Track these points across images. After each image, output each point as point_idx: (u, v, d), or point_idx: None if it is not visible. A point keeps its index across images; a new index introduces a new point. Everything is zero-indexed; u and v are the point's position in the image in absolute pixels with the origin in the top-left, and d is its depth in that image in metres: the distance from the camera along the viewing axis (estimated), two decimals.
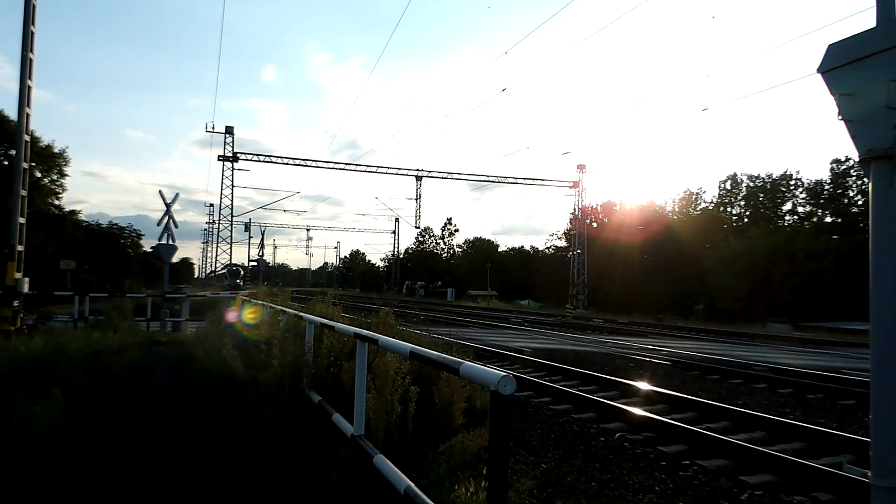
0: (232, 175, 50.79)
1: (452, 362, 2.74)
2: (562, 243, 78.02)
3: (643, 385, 9.98)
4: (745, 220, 59.69)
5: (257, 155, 50.51)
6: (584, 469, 5.88)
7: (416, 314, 22.82)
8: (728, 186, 63.28)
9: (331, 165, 50.69)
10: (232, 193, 51.09)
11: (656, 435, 7.12)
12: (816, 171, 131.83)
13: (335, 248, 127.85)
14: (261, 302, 12.44)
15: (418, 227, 66.12)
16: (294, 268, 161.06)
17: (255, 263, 60.94)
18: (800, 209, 59.53)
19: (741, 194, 62.38)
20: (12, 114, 32.89)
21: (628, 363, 13.96)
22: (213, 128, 49.99)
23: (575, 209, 54.34)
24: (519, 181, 54.30)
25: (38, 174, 39.20)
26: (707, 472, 5.83)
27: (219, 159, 49.82)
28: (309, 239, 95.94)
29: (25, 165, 12.44)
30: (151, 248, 19.55)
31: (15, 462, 4.75)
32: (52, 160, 40.94)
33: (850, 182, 55.11)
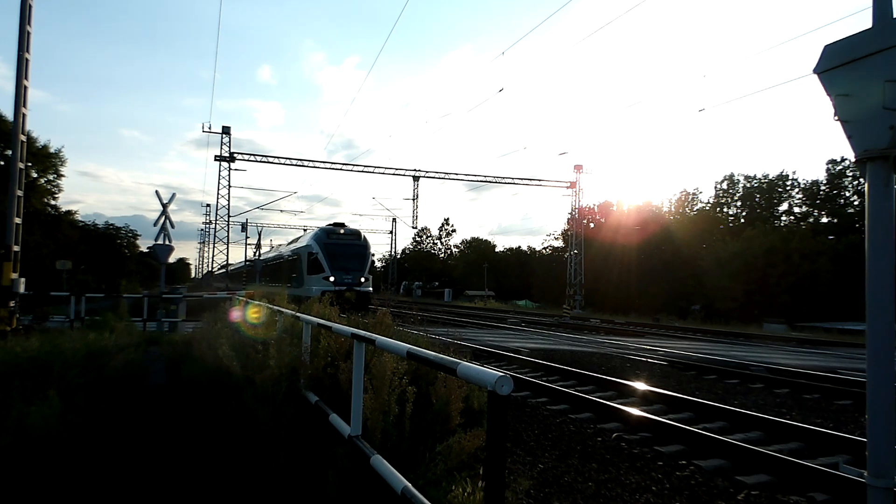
0: (228, 175, 50.71)
1: (449, 362, 2.74)
2: (559, 244, 78.14)
3: (640, 385, 10.00)
4: (742, 220, 59.85)
5: (254, 155, 50.43)
6: (581, 469, 5.88)
7: (413, 314, 22.81)
8: (724, 187, 63.48)
9: (328, 166, 50.64)
10: (228, 193, 51.01)
11: (653, 435, 7.13)
12: (813, 171, 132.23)
13: None
14: (258, 302, 12.41)
15: (415, 228, 65.98)
16: None
17: (251, 264, 60.75)
18: (796, 209, 59.76)
19: (737, 195, 62.56)
20: (8, 114, 32.80)
21: (625, 363, 13.98)
22: (209, 128, 49.92)
23: (572, 210, 54.37)
24: (516, 181, 54.31)
25: (35, 174, 39.09)
26: (704, 473, 5.84)
27: (215, 159, 49.73)
28: None
29: (22, 165, 12.40)
30: (148, 248, 19.48)
31: (11, 463, 4.72)
32: (48, 160, 40.86)
33: (847, 182, 55.34)
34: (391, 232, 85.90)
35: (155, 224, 17.92)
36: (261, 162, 50.55)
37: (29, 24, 12.35)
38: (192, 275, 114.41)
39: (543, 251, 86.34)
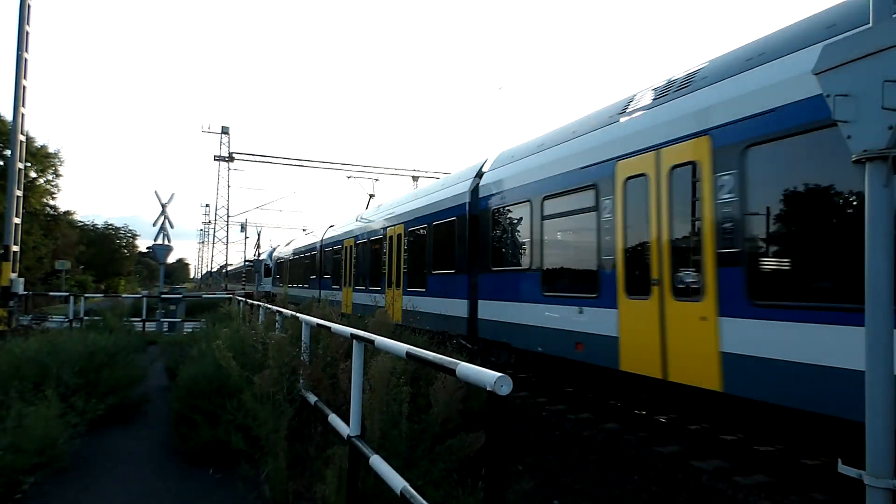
0: (228, 175, 50.76)
1: (449, 363, 2.74)
2: None
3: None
4: None
5: (253, 154, 50.43)
6: (580, 468, 5.88)
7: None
8: None
9: (327, 165, 50.65)
10: (228, 193, 51.08)
11: (650, 435, 7.12)
12: None
13: None
14: (257, 303, 12.43)
15: None
16: None
17: (250, 264, 60.43)
18: None
19: None
20: (7, 114, 32.77)
21: None
22: (209, 127, 49.99)
23: None
24: None
25: (33, 174, 39.03)
26: (702, 473, 5.83)
27: (214, 159, 49.79)
28: None
29: (21, 165, 12.41)
30: (147, 248, 19.45)
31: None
32: (46, 160, 40.74)
33: None
34: None
35: (154, 224, 17.90)
36: (260, 161, 50.57)
37: (28, 24, 12.35)
38: (192, 275, 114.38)
39: None
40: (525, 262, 8.92)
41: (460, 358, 3.09)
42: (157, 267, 20.07)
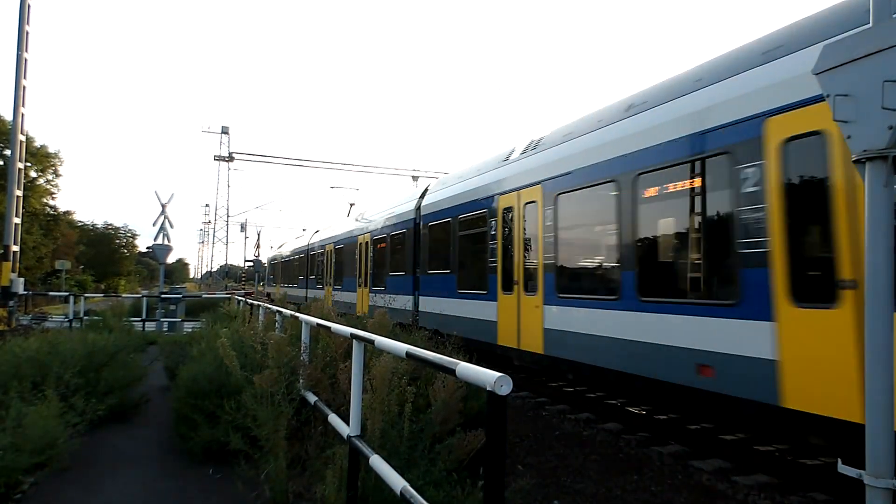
0: (228, 175, 50.78)
1: (448, 363, 2.73)
2: None
3: None
4: None
5: (253, 154, 50.46)
6: (580, 468, 5.88)
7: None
8: None
9: (327, 165, 50.71)
10: (228, 193, 51.08)
11: (651, 435, 7.12)
12: None
13: None
14: (257, 303, 12.42)
15: None
16: None
17: (250, 264, 60.26)
18: None
19: None
20: (7, 114, 32.75)
21: None
22: (209, 128, 49.98)
23: None
24: None
25: (33, 174, 39.04)
26: (702, 473, 5.83)
27: (214, 159, 49.80)
28: None
29: (20, 165, 12.42)
30: (147, 248, 19.44)
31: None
32: (46, 160, 40.76)
33: None
34: None
35: (154, 224, 17.90)
36: (260, 161, 50.61)
37: (28, 23, 12.35)
38: (192, 274, 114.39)
39: None
40: None
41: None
42: (157, 267, 20.07)
